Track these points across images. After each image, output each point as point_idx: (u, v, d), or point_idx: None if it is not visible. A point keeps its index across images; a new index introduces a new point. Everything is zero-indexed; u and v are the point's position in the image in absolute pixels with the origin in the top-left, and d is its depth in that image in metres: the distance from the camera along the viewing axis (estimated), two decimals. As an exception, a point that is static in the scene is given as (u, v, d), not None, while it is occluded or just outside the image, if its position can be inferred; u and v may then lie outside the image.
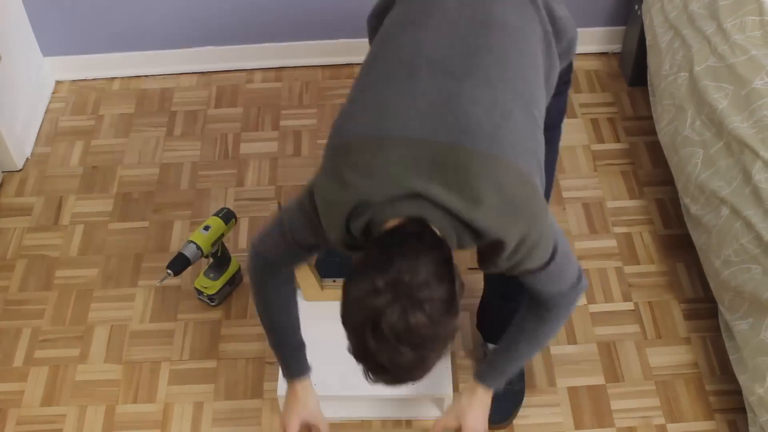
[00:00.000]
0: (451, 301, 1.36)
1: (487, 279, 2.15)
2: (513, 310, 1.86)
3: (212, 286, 2.38)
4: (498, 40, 1.57)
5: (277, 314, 1.86)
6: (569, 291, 1.67)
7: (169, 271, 2.20)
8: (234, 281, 2.43)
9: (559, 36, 1.74)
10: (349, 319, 1.39)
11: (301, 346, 1.91)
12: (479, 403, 1.87)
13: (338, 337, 2.13)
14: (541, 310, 1.71)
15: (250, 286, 1.83)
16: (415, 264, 1.34)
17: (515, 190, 1.46)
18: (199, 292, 2.39)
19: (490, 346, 2.21)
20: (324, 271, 2.23)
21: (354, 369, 2.01)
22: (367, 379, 1.43)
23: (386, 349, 1.34)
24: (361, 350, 1.38)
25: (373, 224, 1.46)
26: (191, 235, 2.29)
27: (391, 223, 1.44)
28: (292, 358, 1.91)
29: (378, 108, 1.50)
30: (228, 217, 2.32)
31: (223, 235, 2.31)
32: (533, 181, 1.50)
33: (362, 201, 1.45)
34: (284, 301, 1.84)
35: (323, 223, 1.54)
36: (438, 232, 1.43)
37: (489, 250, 1.50)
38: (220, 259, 2.37)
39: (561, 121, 1.94)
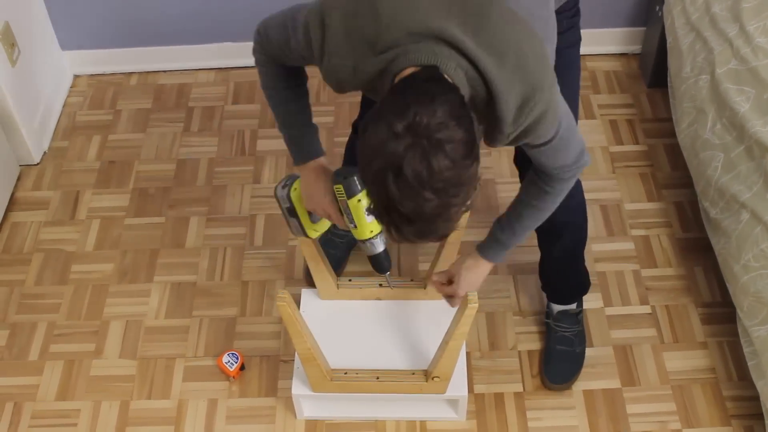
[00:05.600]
0: (471, 144, 1.33)
1: (540, 240, 2.19)
2: (566, 265, 2.12)
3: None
4: None
5: (283, 91, 1.79)
6: (572, 165, 1.69)
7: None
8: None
9: None
10: (369, 168, 1.34)
11: (312, 126, 1.84)
12: (479, 270, 1.94)
13: (354, 334, 2.14)
14: (544, 183, 1.73)
15: (256, 67, 1.78)
16: (431, 106, 1.30)
17: (528, 49, 1.45)
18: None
19: (554, 306, 2.26)
20: None
21: (369, 366, 2.02)
22: (391, 236, 1.40)
23: (409, 196, 1.31)
24: (383, 201, 1.34)
25: (388, 73, 1.45)
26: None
27: (407, 71, 1.42)
28: (305, 137, 1.84)
29: None
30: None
31: None
32: (545, 47, 1.49)
33: (384, 31, 1.42)
34: (287, 79, 1.77)
35: (330, 46, 1.49)
36: (451, 79, 1.41)
37: (494, 113, 1.47)
38: None
39: (577, 46, 1.91)
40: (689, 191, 2.59)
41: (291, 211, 1.96)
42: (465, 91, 1.43)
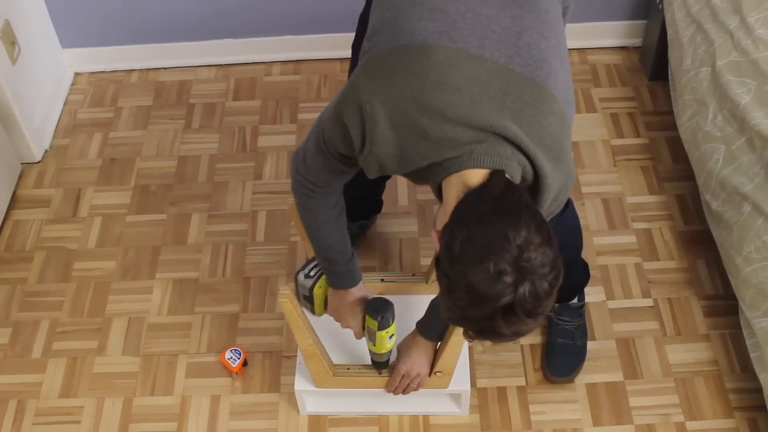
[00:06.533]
0: (559, 259, 1.33)
1: None
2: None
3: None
4: None
5: (327, 236, 1.79)
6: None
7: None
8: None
9: None
10: (475, 310, 1.31)
11: (351, 259, 1.85)
12: (419, 348, 1.96)
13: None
14: None
15: (296, 205, 1.77)
16: (528, 235, 1.28)
17: (565, 141, 1.47)
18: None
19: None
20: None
21: (371, 363, 2.02)
22: (468, 338, 1.40)
23: (514, 325, 1.32)
24: (482, 329, 1.34)
25: (445, 169, 1.41)
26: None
27: (473, 177, 1.39)
28: (344, 273, 1.88)
29: (451, 16, 1.43)
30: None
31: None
32: (571, 133, 1.52)
33: (440, 123, 1.37)
34: (332, 223, 1.77)
35: (373, 135, 1.43)
36: (511, 177, 1.40)
37: (534, 200, 1.48)
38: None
39: None
40: (691, 184, 2.59)
41: (307, 299, 2.04)
42: (517, 179, 1.43)
